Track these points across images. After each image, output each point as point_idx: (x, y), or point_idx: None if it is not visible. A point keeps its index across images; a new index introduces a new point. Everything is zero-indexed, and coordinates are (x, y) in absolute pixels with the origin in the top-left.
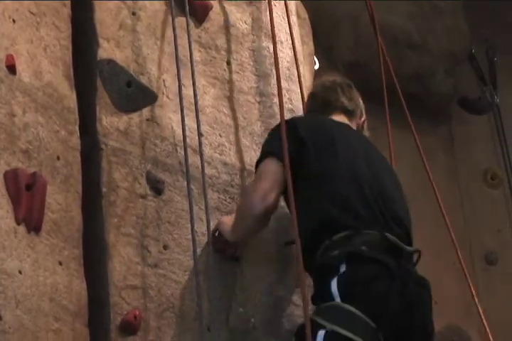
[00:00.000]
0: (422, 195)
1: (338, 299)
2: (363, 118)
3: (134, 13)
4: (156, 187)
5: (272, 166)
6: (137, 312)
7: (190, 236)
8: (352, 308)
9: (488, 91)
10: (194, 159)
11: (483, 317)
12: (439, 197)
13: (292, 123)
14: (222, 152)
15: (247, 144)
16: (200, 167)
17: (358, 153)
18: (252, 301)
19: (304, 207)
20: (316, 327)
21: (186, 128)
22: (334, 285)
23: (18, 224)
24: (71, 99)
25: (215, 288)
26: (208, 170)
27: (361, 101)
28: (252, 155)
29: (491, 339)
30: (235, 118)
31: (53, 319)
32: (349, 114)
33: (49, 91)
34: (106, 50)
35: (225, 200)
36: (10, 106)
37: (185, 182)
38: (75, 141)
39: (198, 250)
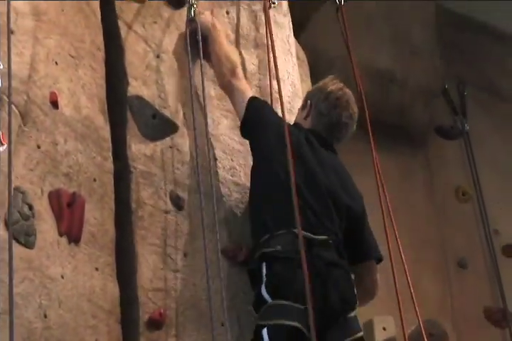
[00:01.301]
0: (403, 208)
1: (269, 300)
2: None
3: (158, 56)
4: (178, 204)
5: None
6: (162, 311)
7: (205, 246)
8: (281, 301)
9: (459, 120)
10: (209, 180)
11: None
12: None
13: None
14: (234, 174)
15: None
16: (215, 187)
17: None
18: None
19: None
20: (259, 329)
21: (202, 154)
22: (264, 290)
23: (61, 236)
24: (105, 130)
25: (227, 290)
26: (221, 190)
27: None
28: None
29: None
30: (244, 145)
31: (91, 317)
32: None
33: (87, 123)
34: (134, 88)
35: (237, 215)
36: (53, 136)
37: (202, 201)
38: (109, 165)
39: (212, 257)
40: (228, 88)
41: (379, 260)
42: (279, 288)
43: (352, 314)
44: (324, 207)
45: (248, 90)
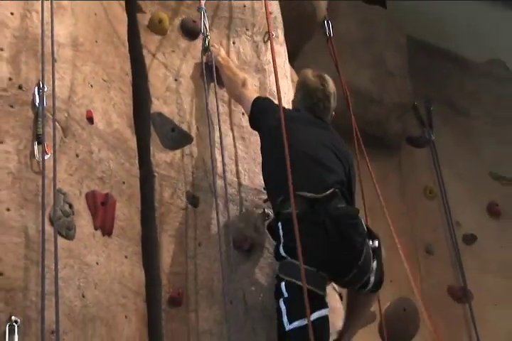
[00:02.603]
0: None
1: (288, 258)
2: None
3: (176, 80)
4: (193, 202)
5: None
6: (180, 291)
7: (217, 237)
8: (296, 261)
9: (426, 131)
10: (219, 182)
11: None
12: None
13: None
14: (239, 177)
15: (256, 171)
16: (224, 187)
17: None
18: (259, 283)
19: (267, 171)
20: (279, 280)
21: (213, 160)
22: (281, 249)
23: (96, 229)
24: (132, 141)
25: (235, 273)
26: (229, 190)
27: None
28: (259, 179)
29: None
30: (247, 153)
31: (121, 296)
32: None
33: (117, 135)
34: (156, 106)
35: (242, 211)
36: (89, 146)
37: (214, 199)
38: (135, 170)
39: (223, 246)
40: (240, 97)
41: None
42: (294, 250)
43: (361, 261)
44: (331, 159)
45: (255, 95)
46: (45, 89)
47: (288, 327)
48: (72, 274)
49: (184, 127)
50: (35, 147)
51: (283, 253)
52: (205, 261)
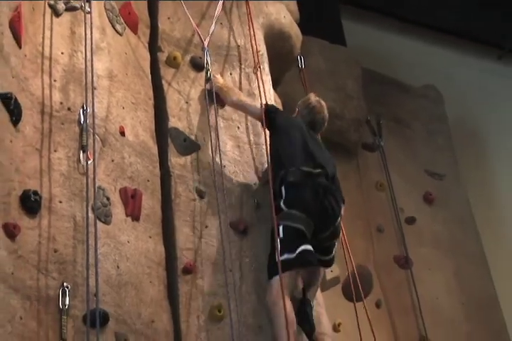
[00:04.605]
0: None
1: (285, 209)
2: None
3: (187, 102)
4: (201, 195)
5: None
6: (192, 263)
7: (219, 221)
8: (293, 211)
9: (377, 139)
10: (220, 179)
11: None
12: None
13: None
14: (236, 176)
15: (248, 171)
16: (223, 184)
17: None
18: (251, 256)
19: (275, 154)
20: (278, 225)
21: (215, 163)
22: (282, 203)
23: (127, 216)
24: (154, 149)
25: (232, 248)
26: (227, 185)
27: None
28: (251, 176)
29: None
30: (241, 157)
31: (146, 267)
32: None
33: (142, 145)
34: (172, 122)
35: (238, 203)
36: (121, 153)
37: (216, 193)
38: (157, 171)
39: (223, 228)
40: (240, 103)
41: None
42: (292, 203)
43: (337, 223)
44: (322, 157)
45: (253, 102)
46: (88, 110)
47: (280, 258)
48: (109, 250)
49: (193, 138)
50: (81, 154)
51: (283, 206)
52: (210, 239)
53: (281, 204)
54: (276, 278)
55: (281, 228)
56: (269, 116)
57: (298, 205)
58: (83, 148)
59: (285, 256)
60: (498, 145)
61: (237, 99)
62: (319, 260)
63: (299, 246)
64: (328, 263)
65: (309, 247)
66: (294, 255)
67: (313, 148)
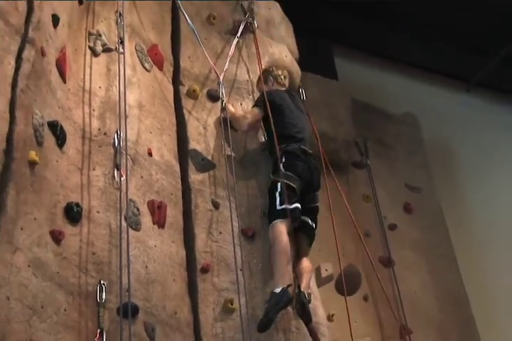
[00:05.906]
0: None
1: (283, 170)
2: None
3: (204, 128)
4: (216, 206)
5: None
6: (208, 263)
7: (231, 228)
8: (289, 173)
9: (364, 159)
10: (232, 193)
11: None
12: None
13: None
14: (246, 190)
15: (255, 186)
16: (235, 197)
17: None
18: (259, 257)
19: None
20: (276, 183)
21: (228, 179)
22: (281, 166)
23: (154, 224)
24: (177, 167)
25: (243, 251)
26: (238, 198)
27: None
28: (258, 189)
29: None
30: (248, 174)
31: (170, 267)
32: None
33: (167, 164)
34: (192, 145)
35: (247, 212)
36: (149, 171)
37: (229, 203)
38: (179, 186)
39: (235, 234)
40: (249, 123)
41: None
42: (289, 166)
43: (317, 192)
44: (301, 121)
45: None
46: (121, 135)
47: (278, 207)
48: (139, 253)
49: (210, 158)
50: (115, 172)
51: (282, 168)
52: (224, 243)
53: (280, 167)
54: (276, 221)
55: (279, 184)
56: (269, 99)
57: (293, 169)
58: (117, 166)
59: (283, 206)
60: (467, 163)
61: (247, 122)
62: (303, 222)
63: (294, 202)
64: (311, 231)
65: (299, 205)
66: (291, 207)
67: (296, 115)
